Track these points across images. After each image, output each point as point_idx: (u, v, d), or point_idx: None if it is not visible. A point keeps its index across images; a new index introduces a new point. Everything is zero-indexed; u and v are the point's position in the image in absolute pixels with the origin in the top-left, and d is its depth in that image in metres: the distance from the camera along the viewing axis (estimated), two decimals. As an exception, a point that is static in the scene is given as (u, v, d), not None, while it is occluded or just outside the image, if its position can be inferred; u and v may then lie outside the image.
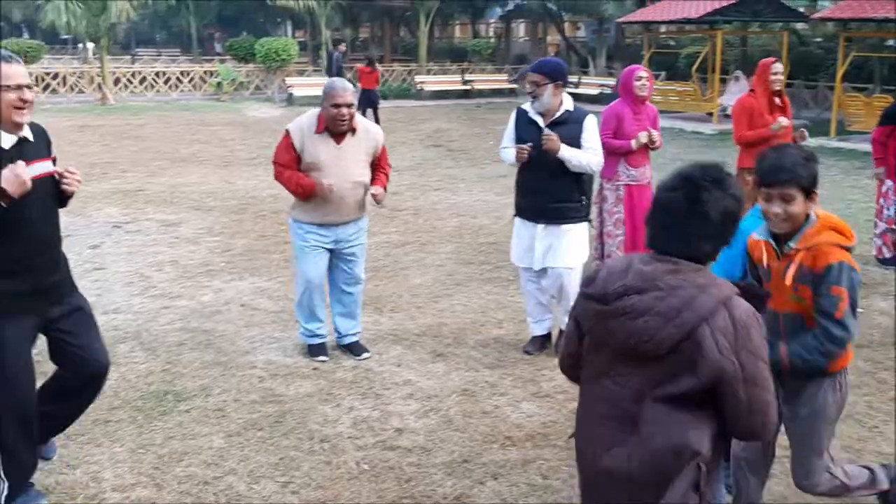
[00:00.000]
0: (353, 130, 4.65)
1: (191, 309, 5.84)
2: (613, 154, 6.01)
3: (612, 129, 6.03)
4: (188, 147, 14.52)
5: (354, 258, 4.89)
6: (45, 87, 22.90)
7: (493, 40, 37.09)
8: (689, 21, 18.76)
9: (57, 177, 3.29)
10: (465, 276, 6.75)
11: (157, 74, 25.13)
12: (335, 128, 4.57)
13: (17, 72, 3.12)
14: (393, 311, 5.83)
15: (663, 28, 24.00)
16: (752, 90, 6.37)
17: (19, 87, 3.10)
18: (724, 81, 19.27)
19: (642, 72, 6.13)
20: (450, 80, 26.47)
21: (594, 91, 22.03)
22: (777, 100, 6.26)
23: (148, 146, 14.48)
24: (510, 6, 34.15)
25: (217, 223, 8.62)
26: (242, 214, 9.05)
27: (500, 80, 27.81)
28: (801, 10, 20.44)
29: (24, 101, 3.12)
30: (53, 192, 3.31)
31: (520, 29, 41.78)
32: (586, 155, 4.76)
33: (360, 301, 5.09)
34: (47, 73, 23.75)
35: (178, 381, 4.58)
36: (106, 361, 3.53)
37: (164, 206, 9.47)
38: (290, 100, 23.27)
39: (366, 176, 4.74)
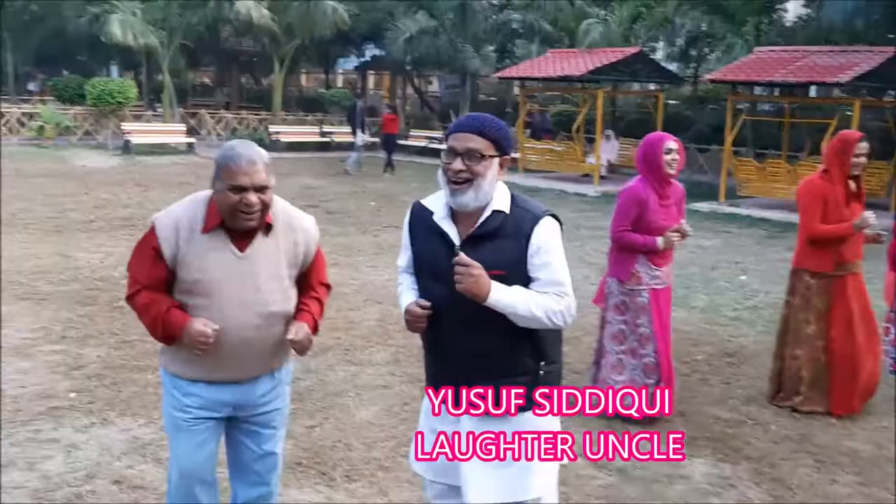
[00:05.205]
0: (268, 227, 2.76)
1: (32, 493, 3.72)
2: (631, 251, 4.59)
3: (630, 218, 4.56)
4: (6, 205, 11.79)
5: (266, 431, 2.95)
6: None
7: (347, 91, 35.77)
8: (571, 79, 18.12)
9: None
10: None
11: (-37, 115, 21.60)
12: (236, 224, 2.68)
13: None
14: (350, 479, 3.98)
15: (532, 85, 23.45)
16: (825, 171, 4.91)
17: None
18: (590, 141, 18.98)
19: (672, 142, 4.57)
20: (307, 132, 24.67)
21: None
22: (853, 185, 4.91)
23: (-49, 204, 11.64)
24: (366, 57, 33.01)
25: (56, 321, 6.36)
26: (91, 306, 6.81)
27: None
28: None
29: None
30: None
31: (370, 81, 40.71)
32: (542, 301, 2.43)
33: (273, 495, 3.08)
34: None
35: None
36: None
37: (-24, 294, 7.05)
38: (127, 148, 20.58)
39: (287, 302, 2.82)
